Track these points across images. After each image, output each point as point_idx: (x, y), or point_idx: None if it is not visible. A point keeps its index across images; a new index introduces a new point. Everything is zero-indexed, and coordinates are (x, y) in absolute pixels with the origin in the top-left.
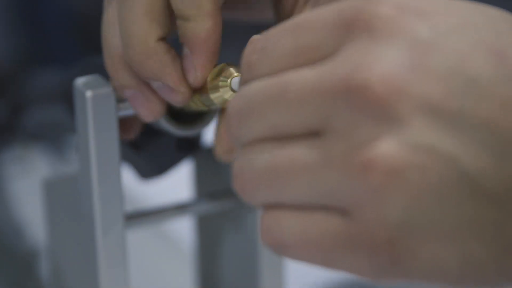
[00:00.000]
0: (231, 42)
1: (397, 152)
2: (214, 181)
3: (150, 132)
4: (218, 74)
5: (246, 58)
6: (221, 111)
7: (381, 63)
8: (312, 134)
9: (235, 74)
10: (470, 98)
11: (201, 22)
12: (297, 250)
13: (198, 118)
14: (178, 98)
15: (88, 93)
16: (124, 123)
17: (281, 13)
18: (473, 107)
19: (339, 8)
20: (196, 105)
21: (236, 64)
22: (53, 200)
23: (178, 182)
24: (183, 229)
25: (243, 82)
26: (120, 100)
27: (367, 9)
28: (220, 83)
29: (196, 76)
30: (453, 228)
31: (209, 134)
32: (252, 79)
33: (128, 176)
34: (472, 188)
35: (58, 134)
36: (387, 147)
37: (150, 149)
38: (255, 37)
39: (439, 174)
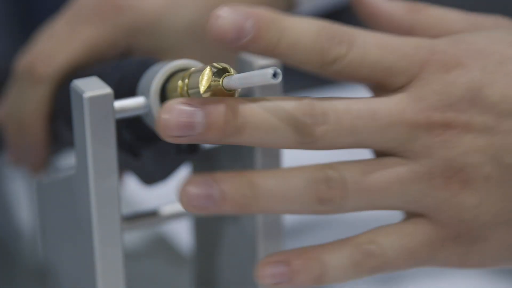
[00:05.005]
0: None
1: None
2: None
3: (149, 137)
4: (205, 75)
5: None
6: None
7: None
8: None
9: (227, 73)
10: None
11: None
12: (400, 264)
13: None
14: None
15: (86, 95)
16: None
17: None
18: None
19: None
20: None
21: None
22: (47, 202)
23: (175, 184)
24: (180, 231)
25: None
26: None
27: (440, 50)
28: (212, 83)
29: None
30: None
31: None
32: None
33: (125, 178)
34: None
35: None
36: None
37: (150, 154)
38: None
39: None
